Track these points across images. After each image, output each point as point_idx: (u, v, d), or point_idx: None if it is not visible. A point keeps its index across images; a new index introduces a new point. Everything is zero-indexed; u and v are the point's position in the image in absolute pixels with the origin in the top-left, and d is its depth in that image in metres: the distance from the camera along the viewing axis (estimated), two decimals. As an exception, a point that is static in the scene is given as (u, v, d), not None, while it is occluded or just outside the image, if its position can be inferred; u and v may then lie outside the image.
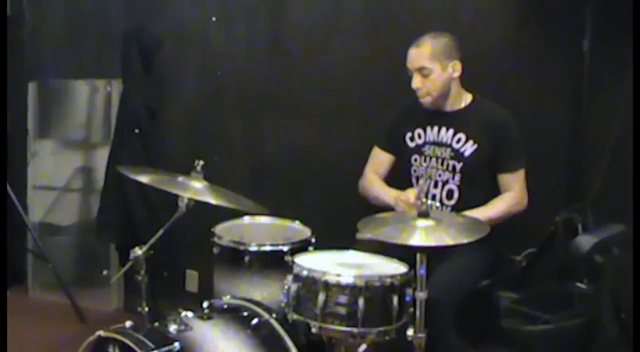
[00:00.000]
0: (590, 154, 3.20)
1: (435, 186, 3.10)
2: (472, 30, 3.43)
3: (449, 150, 3.06)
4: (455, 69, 3.02)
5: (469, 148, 3.02)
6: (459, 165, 3.04)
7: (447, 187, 3.07)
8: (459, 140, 3.04)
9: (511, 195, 3.00)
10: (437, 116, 3.10)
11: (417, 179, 3.15)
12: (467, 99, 3.11)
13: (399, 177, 3.26)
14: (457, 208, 3.01)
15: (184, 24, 4.25)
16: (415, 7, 3.58)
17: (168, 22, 4.28)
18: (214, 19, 4.14)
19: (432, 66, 2.98)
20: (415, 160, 3.16)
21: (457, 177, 3.04)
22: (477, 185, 3.03)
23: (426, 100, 3.05)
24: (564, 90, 3.31)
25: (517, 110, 3.11)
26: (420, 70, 3.00)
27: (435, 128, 3.11)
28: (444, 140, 3.08)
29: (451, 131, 3.07)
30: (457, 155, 3.04)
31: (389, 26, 3.66)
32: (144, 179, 2.87)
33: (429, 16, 3.54)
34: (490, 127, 3.00)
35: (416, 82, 3.02)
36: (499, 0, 3.42)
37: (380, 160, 3.31)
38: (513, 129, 3.02)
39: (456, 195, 3.05)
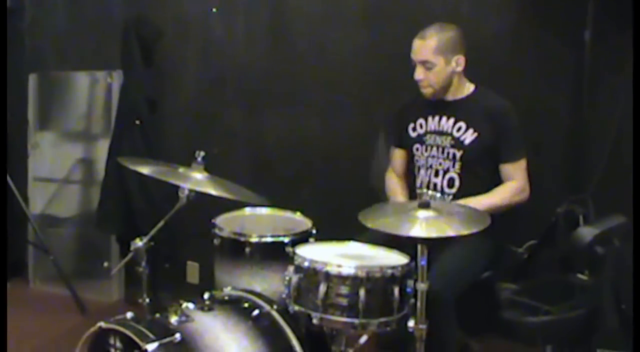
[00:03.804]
0: (591, 145, 3.20)
1: (437, 174, 3.10)
2: (474, 20, 3.43)
3: (449, 138, 3.07)
4: (458, 63, 3.02)
5: (469, 136, 3.02)
6: (458, 154, 3.04)
7: (448, 176, 3.07)
8: (459, 129, 3.05)
9: (513, 184, 3.00)
10: (438, 106, 3.11)
11: (419, 168, 3.16)
12: (469, 88, 3.12)
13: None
14: (458, 196, 3.02)
15: (184, 15, 4.24)
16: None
17: (168, 13, 4.27)
18: (214, 9, 4.13)
19: (436, 60, 2.98)
20: (417, 149, 3.17)
21: (458, 165, 3.04)
22: (478, 173, 3.03)
23: (427, 91, 3.06)
24: (564, 81, 3.31)
25: (518, 101, 3.11)
26: (424, 63, 3.00)
27: (437, 117, 3.12)
28: (445, 129, 3.08)
29: (452, 120, 3.07)
30: (457, 143, 3.04)
31: (390, 16, 3.65)
32: (144, 170, 2.86)
33: (431, 6, 3.54)
34: (491, 116, 3.00)
35: (419, 73, 3.03)
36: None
37: (395, 157, 3.35)
38: (513, 119, 3.02)
39: (457, 183, 3.05)
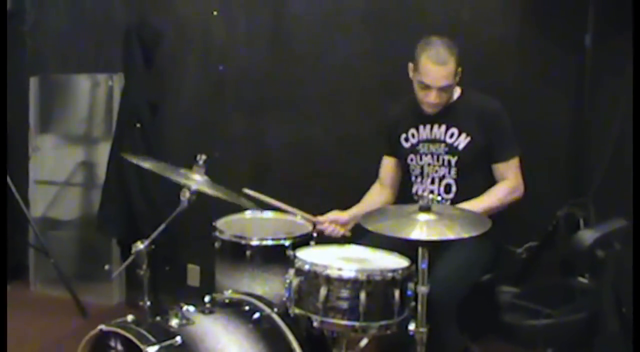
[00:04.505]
0: (592, 148, 3.20)
1: (433, 182, 3.10)
2: (474, 25, 3.43)
3: (442, 145, 3.07)
4: (459, 74, 3.02)
5: (462, 141, 3.02)
6: (453, 159, 3.04)
7: (444, 182, 3.08)
8: (452, 135, 3.05)
9: (506, 183, 3.01)
10: (428, 114, 3.09)
11: (415, 177, 3.16)
12: (457, 92, 3.11)
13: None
14: (456, 202, 3.02)
15: (185, 18, 4.25)
16: (416, 2, 3.58)
17: (169, 16, 4.28)
18: (215, 13, 4.14)
19: (454, 82, 2.97)
20: (412, 159, 3.17)
21: (453, 171, 3.05)
22: (474, 177, 3.04)
23: (434, 110, 3.04)
24: (566, 85, 3.31)
25: (519, 105, 3.12)
26: (444, 88, 2.95)
27: (428, 126, 3.11)
28: (437, 136, 3.08)
29: (444, 127, 3.07)
30: (452, 149, 3.05)
31: (390, 19, 3.66)
32: (146, 165, 2.85)
33: (431, 11, 3.54)
34: (481, 118, 3.00)
35: (435, 97, 2.97)
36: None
37: (385, 165, 3.35)
38: (503, 117, 3.02)
39: (454, 189, 3.06)
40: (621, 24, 2.95)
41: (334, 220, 3.15)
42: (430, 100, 2.99)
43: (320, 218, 3.14)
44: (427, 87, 2.96)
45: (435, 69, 2.92)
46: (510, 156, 3.02)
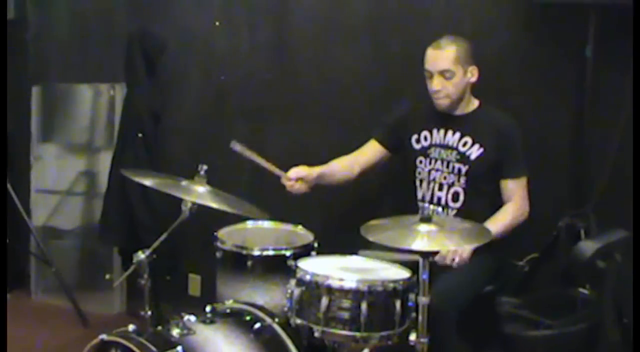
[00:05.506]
0: (592, 159, 3.20)
1: (440, 188, 3.10)
2: (476, 36, 3.42)
3: (454, 153, 3.07)
4: (473, 74, 3.04)
5: (474, 151, 3.03)
6: (464, 168, 3.04)
7: (452, 190, 3.07)
8: (465, 144, 3.05)
9: (514, 206, 3.00)
10: (444, 119, 3.11)
11: (421, 181, 3.16)
12: (474, 103, 3.13)
13: (401, 179, 3.30)
14: (462, 211, 3.03)
15: (187, 29, 4.25)
16: (418, 13, 3.59)
17: (172, 26, 4.28)
18: (217, 23, 4.15)
19: (456, 69, 2.98)
20: (421, 162, 3.17)
21: (463, 180, 3.05)
22: (482, 189, 3.04)
23: (444, 102, 3.04)
24: (566, 96, 3.31)
25: (520, 116, 3.12)
26: (443, 72, 2.98)
27: (442, 131, 3.12)
28: (450, 143, 3.09)
29: (458, 134, 3.08)
30: (463, 158, 3.05)
31: (392, 32, 3.66)
32: (147, 182, 2.87)
33: (433, 22, 3.54)
34: (496, 132, 3.01)
35: (437, 83, 3.00)
36: (503, 7, 3.42)
37: (370, 150, 3.32)
38: (518, 136, 3.03)
39: (462, 197, 3.05)
40: (622, 34, 2.96)
41: (300, 177, 3.11)
42: (432, 87, 3.02)
43: (289, 173, 3.11)
44: (430, 75, 3.02)
45: (432, 53, 3.01)
46: (519, 174, 3.02)
